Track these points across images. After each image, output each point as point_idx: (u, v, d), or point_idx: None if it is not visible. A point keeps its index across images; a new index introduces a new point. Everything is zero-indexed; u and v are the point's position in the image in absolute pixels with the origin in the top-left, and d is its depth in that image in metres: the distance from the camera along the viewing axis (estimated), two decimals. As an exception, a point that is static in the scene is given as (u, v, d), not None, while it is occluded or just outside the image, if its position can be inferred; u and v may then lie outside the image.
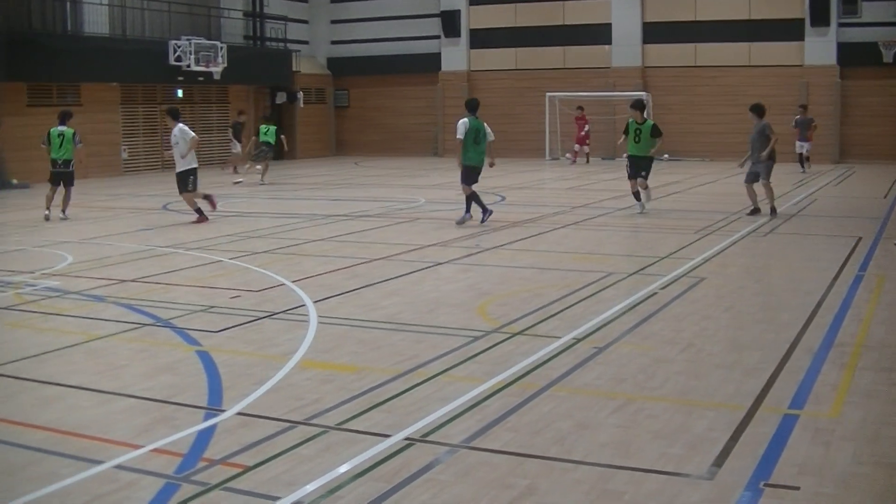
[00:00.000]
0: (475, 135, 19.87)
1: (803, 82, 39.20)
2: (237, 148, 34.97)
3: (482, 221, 19.96)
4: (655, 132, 21.46)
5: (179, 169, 21.24)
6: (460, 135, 19.81)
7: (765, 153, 20.75)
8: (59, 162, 22.53)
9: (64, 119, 22.77)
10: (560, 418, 7.86)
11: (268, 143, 31.91)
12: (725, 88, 40.62)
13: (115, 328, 11.36)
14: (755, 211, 21.31)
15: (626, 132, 21.93)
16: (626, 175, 22.32)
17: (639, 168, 21.62)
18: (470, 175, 20.11)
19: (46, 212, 22.19)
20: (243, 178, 32.64)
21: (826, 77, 39.22)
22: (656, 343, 10.38)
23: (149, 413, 8.21)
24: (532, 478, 6.66)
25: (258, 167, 32.14)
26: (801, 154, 34.20)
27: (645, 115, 21.91)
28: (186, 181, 21.17)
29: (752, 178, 21.27)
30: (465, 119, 19.84)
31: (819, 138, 36.55)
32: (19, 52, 31.18)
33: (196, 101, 40.77)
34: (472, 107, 20.13)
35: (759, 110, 21.31)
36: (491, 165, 20.53)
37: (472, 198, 20.14)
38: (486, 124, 20.27)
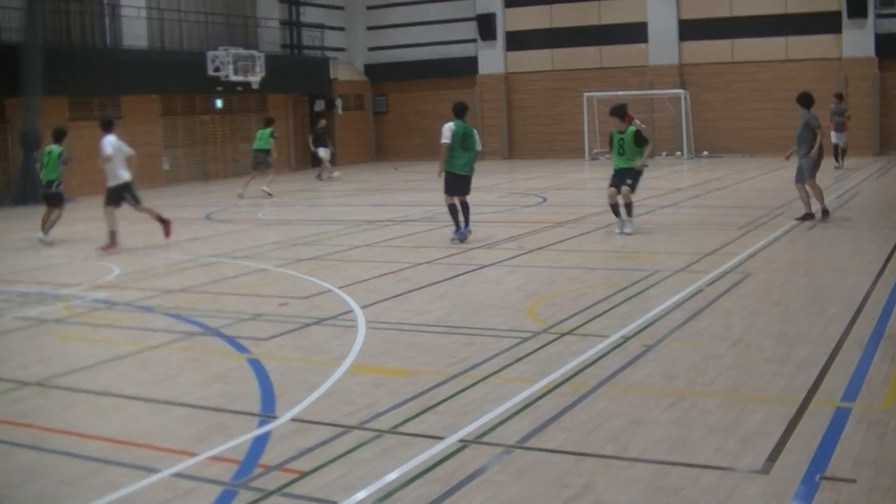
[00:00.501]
0: (462, 140, 17.95)
1: (842, 75, 38.91)
2: (325, 154, 36.86)
3: (452, 239, 18.27)
4: (639, 140, 18.60)
5: (113, 183, 19.40)
6: (446, 139, 17.85)
7: (814, 151, 18.77)
8: (44, 182, 21.51)
9: (59, 137, 21.21)
10: (613, 416, 7.87)
11: (261, 150, 30.61)
12: (764, 84, 40.40)
13: (165, 338, 11.46)
14: (807, 216, 19.22)
15: (610, 145, 19.27)
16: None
17: (622, 178, 18.61)
18: (453, 184, 18.20)
19: (40, 234, 20.79)
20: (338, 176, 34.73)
21: (865, 69, 38.91)
22: (706, 339, 10.37)
23: (203, 421, 8.28)
24: (589, 476, 6.67)
25: (266, 177, 30.49)
26: (836, 146, 32.41)
27: (627, 121, 19.31)
28: (120, 196, 19.36)
29: (799, 176, 19.27)
30: (451, 123, 18.01)
31: (859, 131, 36.37)
32: (60, 67, 31.41)
33: (235, 110, 40.99)
34: (459, 111, 18.17)
35: (805, 100, 19.28)
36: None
37: (452, 210, 18.28)
38: (476, 132, 18.49)
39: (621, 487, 6.47)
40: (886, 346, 9.79)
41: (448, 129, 17.99)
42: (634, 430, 7.54)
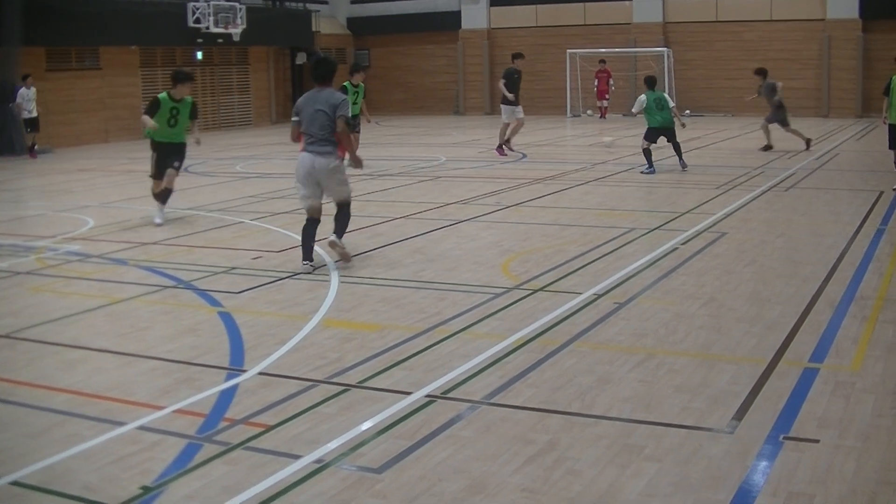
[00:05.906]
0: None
1: (825, 36, 38.83)
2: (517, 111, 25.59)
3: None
4: (194, 112, 16.21)
5: None
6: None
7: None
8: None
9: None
10: (581, 374, 7.87)
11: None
12: (747, 43, 40.22)
13: (137, 291, 11.40)
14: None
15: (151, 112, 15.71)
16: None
17: (172, 156, 16.21)
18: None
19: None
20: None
21: (849, 31, 38.77)
22: (678, 298, 10.36)
23: (171, 375, 8.25)
24: (553, 433, 6.67)
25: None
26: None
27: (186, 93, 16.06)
28: None
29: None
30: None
31: (841, 92, 36.45)
32: (38, 17, 31.07)
33: (216, 62, 40.59)
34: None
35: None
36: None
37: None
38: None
39: (585, 444, 6.46)
40: (857, 308, 9.80)
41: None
42: (601, 387, 7.53)
